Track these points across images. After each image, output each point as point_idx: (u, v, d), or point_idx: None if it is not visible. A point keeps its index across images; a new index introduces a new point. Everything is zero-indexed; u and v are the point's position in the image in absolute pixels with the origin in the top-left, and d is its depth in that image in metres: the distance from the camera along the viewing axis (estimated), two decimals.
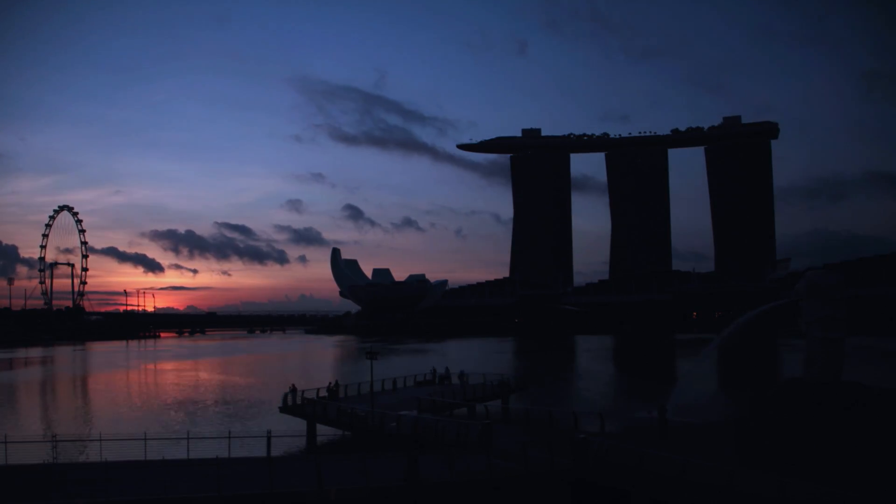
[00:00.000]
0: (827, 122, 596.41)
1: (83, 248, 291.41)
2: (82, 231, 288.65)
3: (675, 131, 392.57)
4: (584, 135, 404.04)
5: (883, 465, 24.34)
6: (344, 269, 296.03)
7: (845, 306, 29.52)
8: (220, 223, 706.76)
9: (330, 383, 50.63)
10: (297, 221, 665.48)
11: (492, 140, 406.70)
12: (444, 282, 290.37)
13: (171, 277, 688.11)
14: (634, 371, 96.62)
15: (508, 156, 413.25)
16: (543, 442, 28.99)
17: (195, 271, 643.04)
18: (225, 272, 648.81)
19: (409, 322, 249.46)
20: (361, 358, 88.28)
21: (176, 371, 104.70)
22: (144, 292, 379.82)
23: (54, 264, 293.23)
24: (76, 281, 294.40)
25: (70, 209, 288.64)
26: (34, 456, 34.05)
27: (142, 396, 73.22)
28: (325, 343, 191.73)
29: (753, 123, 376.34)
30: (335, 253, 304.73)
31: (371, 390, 45.71)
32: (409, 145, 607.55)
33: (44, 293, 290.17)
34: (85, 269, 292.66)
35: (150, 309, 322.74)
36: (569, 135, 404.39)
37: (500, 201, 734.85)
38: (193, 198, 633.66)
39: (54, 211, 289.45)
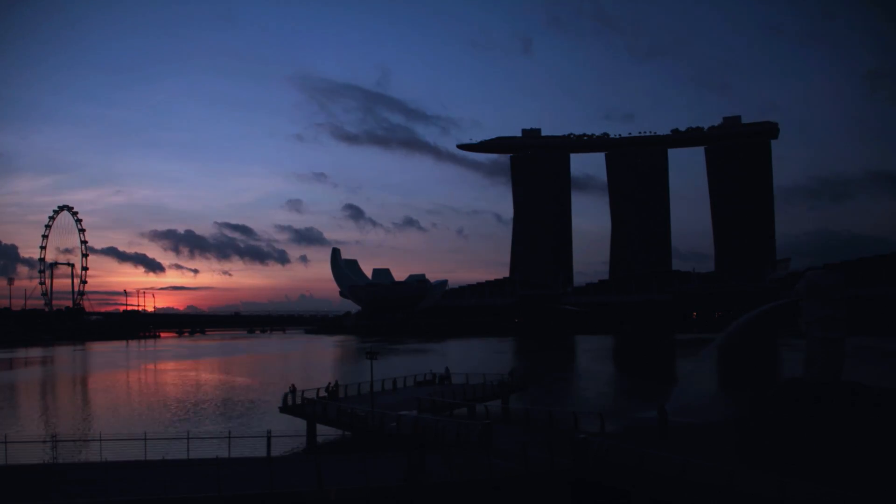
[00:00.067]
0: (829, 121, 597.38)
1: (83, 247, 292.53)
2: (82, 231, 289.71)
3: (675, 131, 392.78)
4: (584, 135, 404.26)
5: (883, 464, 24.34)
6: (344, 269, 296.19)
7: (845, 306, 29.53)
8: (221, 223, 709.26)
9: (329, 384, 50.60)
10: (298, 221, 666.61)
11: (492, 140, 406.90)
12: (444, 282, 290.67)
13: (171, 277, 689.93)
14: (634, 371, 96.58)
15: (509, 156, 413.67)
16: (543, 442, 28.96)
17: (196, 271, 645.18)
18: (226, 272, 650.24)
19: (409, 322, 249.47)
20: (361, 358, 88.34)
21: (176, 371, 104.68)
22: (144, 292, 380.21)
23: (54, 264, 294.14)
24: (76, 281, 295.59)
25: (70, 209, 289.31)
26: (34, 456, 34.13)
27: (142, 396, 73.19)
28: (325, 343, 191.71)
29: (753, 123, 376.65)
30: (335, 253, 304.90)
31: (371, 390, 45.69)
32: (412, 144, 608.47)
33: (44, 293, 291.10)
34: (85, 269, 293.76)
35: (150, 309, 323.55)
36: (569, 135, 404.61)
37: (502, 201, 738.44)
38: (194, 198, 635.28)
39: (54, 211, 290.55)
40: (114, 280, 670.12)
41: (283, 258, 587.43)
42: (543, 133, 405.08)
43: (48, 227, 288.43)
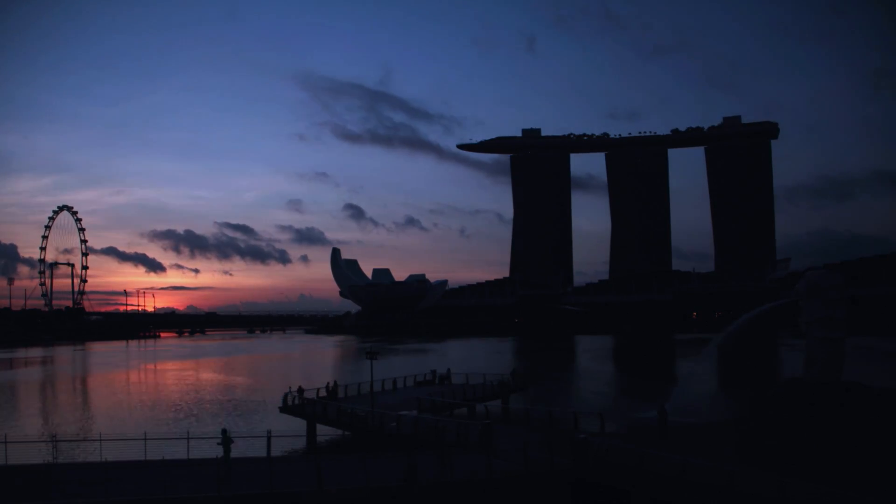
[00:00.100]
0: (834, 120, 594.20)
1: (83, 247, 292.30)
2: (82, 231, 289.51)
3: (675, 131, 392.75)
4: (585, 135, 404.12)
5: (883, 464, 24.33)
6: (344, 269, 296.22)
7: (845, 306, 29.50)
8: (221, 223, 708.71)
9: (329, 384, 50.60)
10: (299, 221, 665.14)
11: (492, 140, 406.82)
12: (444, 282, 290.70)
13: (172, 277, 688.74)
14: (634, 371, 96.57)
15: (509, 156, 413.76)
16: (543, 442, 28.97)
17: (196, 271, 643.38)
18: (226, 272, 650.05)
19: (409, 322, 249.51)
20: (361, 358, 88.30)
21: (176, 371, 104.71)
22: (144, 292, 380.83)
23: (54, 264, 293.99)
24: (76, 281, 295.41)
25: (70, 209, 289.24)
26: (34, 456, 34.13)
27: (142, 396, 73.20)
28: (325, 343, 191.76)
29: (753, 123, 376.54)
30: (335, 253, 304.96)
31: (371, 390, 45.71)
32: (415, 143, 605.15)
33: (44, 293, 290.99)
34: (85, 269, 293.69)
35: (150, 309, 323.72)
36: (569, 135, 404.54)
37: (504, 200, 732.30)
38: (194, 197, 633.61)
39: (54, 211, 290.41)
40: (114, 280, 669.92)
41: (283, 258, 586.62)
42: (547, 131, 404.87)
43: (48, 227, 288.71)
